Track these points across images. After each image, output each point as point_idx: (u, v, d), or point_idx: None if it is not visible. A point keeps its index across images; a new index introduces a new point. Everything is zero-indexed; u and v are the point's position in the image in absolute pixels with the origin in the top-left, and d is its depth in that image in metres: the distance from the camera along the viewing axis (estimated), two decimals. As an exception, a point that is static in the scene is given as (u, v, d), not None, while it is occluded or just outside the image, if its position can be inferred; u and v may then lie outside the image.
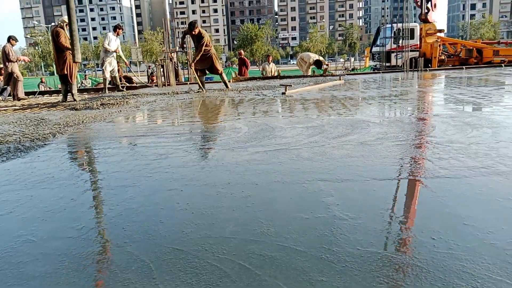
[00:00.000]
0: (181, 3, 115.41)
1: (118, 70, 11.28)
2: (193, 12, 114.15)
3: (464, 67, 14.75)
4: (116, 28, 10.35)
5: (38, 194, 2.28)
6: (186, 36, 9.80)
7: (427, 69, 14.53)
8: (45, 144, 3.72)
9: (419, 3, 18.28)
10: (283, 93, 7.47)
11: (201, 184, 2.31)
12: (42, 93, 12.24)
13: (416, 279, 1.25)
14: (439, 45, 18.17)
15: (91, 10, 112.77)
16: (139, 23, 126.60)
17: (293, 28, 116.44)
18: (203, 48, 9.07)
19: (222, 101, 7.11)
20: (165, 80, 12.11)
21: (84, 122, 5.01)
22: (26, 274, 1.41)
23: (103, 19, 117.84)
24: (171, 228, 1.71)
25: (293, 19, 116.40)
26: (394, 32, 17.52)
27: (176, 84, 12.43)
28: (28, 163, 3.02)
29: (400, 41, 15.89)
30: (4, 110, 7.35)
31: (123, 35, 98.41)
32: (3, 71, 10.01)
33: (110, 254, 1.53)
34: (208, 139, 3.73)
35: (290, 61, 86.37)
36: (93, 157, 3.26)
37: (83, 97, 9.51)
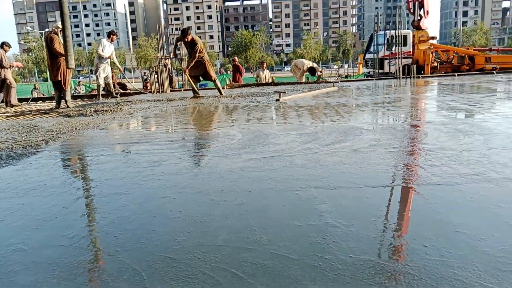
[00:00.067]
0: (176, 9, 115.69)
1: (112, 77, 11.27)
2: (188, 18, 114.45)
3: (456, 74, 14.88)
4: (110, 34, 10.35)
5: (29, 202, 2.27)
6: (178, 43, 9.78)
7: (420, 76, 14.65)
8: (37, 151, 3.70)
9: (412, 10, 18.46)
10: (277, 100, 7.49)
11: (194, 191, 2.30)
12: (35, 99, 12.18)
13: (408, 287, 1.25)
14: (432, 52, 18.34)
15: (85, 16, 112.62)
16: (133, 29, 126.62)
17: (287, 35, 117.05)
18: (197, 54, 9.08)
19: (216, 108, 7.12)
20: (159, 86, 12.10)
21: (77, 129, 4.99)
22: (17, 283, 1.39)
23: (97, 25, 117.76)
24: (164, 236, 1.71)
25: (287, 25, 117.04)
26: (387, 39, 17.67)
27: (170, 91, 12.42)
28: (20, 171, 3.00)
29: (393, 48, 16.03)
30: (-3, 116, 7.30)
31: (117, 41, 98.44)
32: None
33: (101, 262, 1.52)
34: (201, 146, 3.73)
35: (284, 67, 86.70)
36: (86, 165, 3.25)
37: (77, 104, 9.47)
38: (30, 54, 67.68)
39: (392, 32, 16.21)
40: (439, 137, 3.47)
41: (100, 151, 3.58)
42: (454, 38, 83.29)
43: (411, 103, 6.55)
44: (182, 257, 1.50)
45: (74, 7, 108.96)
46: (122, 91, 12.55)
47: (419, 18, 18.28)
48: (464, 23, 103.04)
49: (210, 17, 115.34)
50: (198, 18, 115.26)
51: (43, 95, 18.98)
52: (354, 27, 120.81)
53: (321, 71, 14.59)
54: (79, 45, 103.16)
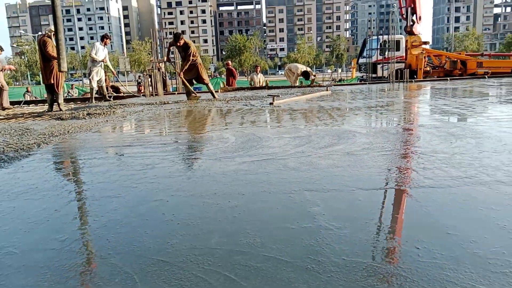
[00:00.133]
0: (170, 13, 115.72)
1: (105, 80, 11.23)
2: (182, 22, 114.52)
3: (448, 78, 15.01)
4: (103, 38, 10.33)
5: (21, 205, 2.25)
6: (172, 47, 9.77)
7: (413, 80, 14.75)
8: (29, 154, 3.67)
9: (404, 16, 18.61)
10: (271, 104, 7.50)
11: (187, 194, 2.30)
12: (28, 102, 12.11)
13: (400, 289, 1.26)
14: (424, 57, 18.49)
15: (79, 19, 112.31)
16: (127, 33, 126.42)
17: (281, 39, 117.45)
18: (191, 58, 9.09)
19: (209, 111, 7.11)
20: (152, 90, 12.08)
21: (69, 132, 4.96)
22: (7, 287, 1.38)
23: (90, 28, 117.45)
24: (156, 239, 1.70)
25: (281, 30, 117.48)
26: (380, 44, 17.77)
27: (164, 94, 12.40)
28: (12, 174, 2.98)
29: (386, 53, 16.12)
30: (-12, 119, 7.24)
31: (111, 45, 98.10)
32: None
33: (93, 266, 1.51)
34: (195, 149, 3.72)
35: (278, 71, 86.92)
36: (78, 168, 3.23)
37: (69, 107, 9.42)
38: (22, 57, 67.30)
39: (385, 37, 16.31)
40: (431, 141, 3.49)
41: (92, 154, 3.56)
42: (446, 43, 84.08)
43: (404, 107, 6.59)
44: (174, 260, 1.50)
45: (68, 11, 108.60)
46: (115, 94, 12.51)
47: (411, 23, 18.43)
48: (456, 28, 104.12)
49: (204, 21, 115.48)
50: (192, 22, 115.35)
51: (35, 98, 18.87)
52: (347, 32, 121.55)
53: (314, 75, 14.64)
54: (73, 48, 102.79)
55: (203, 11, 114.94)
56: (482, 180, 2.29)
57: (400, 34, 21.44)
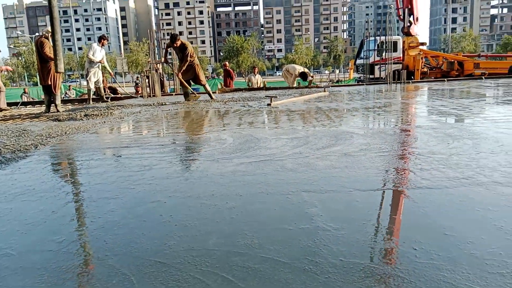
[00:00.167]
0: (167, 14, 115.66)
1: (103, 81, 11.21)
2: (179, 23, 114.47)
3: (445, 79, 15.05)
4: (101, 39, 10.31)
5: (18, 207, 2.24)
6: (169, 48, 9.73)
7: (410, 81, 14.78)
8: (26, 156, 3.66)
9: (401, 17, 18.68)
10: (269, 105, 7.51)
11: (185, 195, 2.29)
12: (25, 103, 12.08)
13: (397, 290, 1.26)
14: (422, 58, 18.56)
15: (76, 20, 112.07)
16: (124, 34, 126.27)
17: (279, 40, 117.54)
18: (188, 58, 9.09)
19: (207, 112, 7.11)
20: (150, 91, 12.06)
21: (67, 133, 4.95)
22: (4, 289, 1.37)
23: (88, 29, 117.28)
24: (154, 241, 1.70)
25: (278, 31, 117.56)
26: (378, 45, 17.82)
27: (162, 95, 12.39)
28: (9, 175, 2.97)
29: (383, 54, 16.16)
30: (-15, 121, 7.21)
31: (109, 46, 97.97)
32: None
33: (91, 267, 1.51)
34: (192, 150, 3.72)
35: (276, 72, 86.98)
36: (76, 169, 3.22)
37: (67, 108, 9.41)
38: (20, 58, 67.12)
39: (382, 38, 16.35)
40: (428, 141, 3.50)
41: (90, 156, 3.56)
42: (443, 44, 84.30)
43: (401, 108, 6.61)
44: (172, 261, 1.50)
45: (65, 12, 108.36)
46: (112, 95, 12.50)
47: (409, 24, 18.51)
48: (453, 29, 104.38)
49: (201, 22, 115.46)
50: (189, 23, 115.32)
51: (32, 99, 18.83)
52: (345, 33, 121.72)
53: (312, 76, 14.65)
54: (70, 49, 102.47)
55: (201, 12, 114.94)
56: (479, 181, 2.30)
57: (398, 35, 21.49)
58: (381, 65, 17.66)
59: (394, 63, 15.89)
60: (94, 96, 10.76)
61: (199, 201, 2.17)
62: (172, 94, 13.03)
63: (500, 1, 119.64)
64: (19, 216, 2.09)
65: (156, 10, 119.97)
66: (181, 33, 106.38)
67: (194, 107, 8.13)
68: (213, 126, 5.37)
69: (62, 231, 1.85)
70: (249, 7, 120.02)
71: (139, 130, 5.40)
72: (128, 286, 1.34)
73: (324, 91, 10.61)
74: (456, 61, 19.20)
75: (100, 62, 10.21)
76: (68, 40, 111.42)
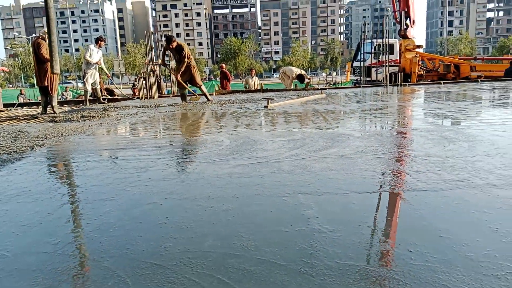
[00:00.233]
0: (165, 16, 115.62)
1: (100, 82, 11.19)
2: (177, 25, 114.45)
3: (442, 82, 15.11)
4: (98, 40, 10.30)
5: (13, 208, 2.23)
6: (166, 51, 9.70)
7: (407, 83, 14.83)
8: (22, 157, 3.65)
9: (398, 20, 18.74)
10: (266, 107, 7.51)
11: (181, 197, 2.29)
12: (21, 105, 12.04)
13: (393, 292, 1.26)
14: (418, 61, 18.62)
15: (73, 22, 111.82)
16: (122, 36, 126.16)
17: (276, 42, 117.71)
18: (186, 60, 9.09)
19: (204, 114, 7.11)
20: (147, 92, 12.05)
21: (63, 135, 4.94)
22: (-2, 291, 1.37)
23: (85, 31, 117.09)
24: (149, 243, 1.69)
25: (276, 33, 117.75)
26: (374, 47, 17.90)
27: (159, 97, 12.38)
28: (5, 177, 2.96)
29: (380, 56, 16.22)
30: (-19, 122, 7.19)
31: (106, 47, 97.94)
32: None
33: (86, 269, 1.51)
34: (189, 152, 3.72)
35: (273, 74, 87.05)
36: (72, 171, 3.21)
37: (63, 109, 9.38)
38: (16, 59, 66.91)
39: (379, 40, 16.41)
40: (424, 144, 3.51)
41: (86, 157, 3.55)
42: (440, 47, 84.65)
43: (397, 110, 6.63)
44: (168, 263, 1.49)
45: (62, 13, 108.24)
46: (109, 96, 12.48)
47: (405, 27, 18.57)
48: (450, 32, 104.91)
49: (199, 24, 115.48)
50: (187, 25, 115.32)
51: (29, 100, 18.77)
52: (342, 35, 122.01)
53: (309, 79, 14.67)
54: (67, 50, 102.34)
55: (198, 14, 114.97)
56: (474, 184, 2.31)
57: (394, 37, 21.59)
58: (378, 68, 17.72)
59: (390, 66, 15.96)
60: (91, 98, 10.74)
61: (195, 203, 2.17)
62: (169, 96, 13.02)
63: (496, 5, 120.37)
64: (14, 217, 2.08)
65: (154, 11, 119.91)
66: (178, 35, 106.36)
67: (191, 109, 8.13)
68: (210, 128, 5.37)
69: (58, 233, 1.85)
70: (246, 9, 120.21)
71: (136, 132, 5.40)
72: (123, 288, 1.34)
73: (321, 93, 10.63)
74: (452, 64, 19.27)
75: (97, 64, 10.20)
76: (65, 41, 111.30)
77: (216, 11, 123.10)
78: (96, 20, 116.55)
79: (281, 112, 6.76)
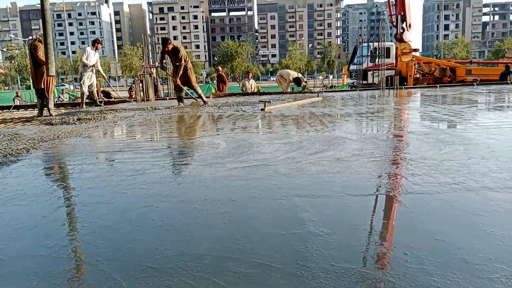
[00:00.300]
0: (162, 19, 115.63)
1: (96, 85, 11.17)
2: (174, 28, 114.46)
3: (438, 85, 15.16)
4: (94, 43, 10.28)
5: (9, 211, 2.22)
6: (164, 54, 9.63)
7: (403, 87, 14.87)
8: (18, 160, 3.63)
9: (394, 23, 18.81)
10: (262, 109, 7.52)
11: (177, 200, 2.29)
12: (18, 107, 12.00)
13: (388, 295, 1.27)
14: (414, 64, 18.69)
15: (70, 24, 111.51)
16: (119, 38, 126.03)
17: (273, 46, 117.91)
18: (183, 62, 9.08)
19: (201, 117, 7.11)
20: (144, 95, 12.03)
21: (59, 137, 4.93)
22: (-7, 294, 1.36)
23: (82, 33, 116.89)
24: (145, 246, 1.69)
25: (273, 36, 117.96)
26: (371, 51, 17.93)
27: (155, 100, 12.36)
28: (0, 179, 2.94)
29: (377, 60, 16.26)
30: (-23, 124, 7.16)
31: (102, 50, 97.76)
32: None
33: (82, 272, 1.50)
34: (185, 155, 3.72)
35: (270, 77, 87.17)
36: (68, 173, 3.20)
37: (60, 112, 9.36)
38: (13, 61, 66.72)
39: (376, 44, 16.46)
40: (420, 147, 3.53)
41: (82, 160, 3.54)
42: (436, 50, 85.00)
43: (394, 114, 6.65)
44: (163, 266, 1.49)
45: (59, 15, 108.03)
46: (106, 99, 12.46)
47: (401, 31, 18.65)
48: (446, 36, 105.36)
49: (196, 27, 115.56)
50: (184, 28, 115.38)
51: (25, 102, 18.71)
52: (338, 39, 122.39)
53: (306, 82, 14.71)
54: (63, 53, 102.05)
55: (195, 17, 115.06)
56: (469, 186, 2.32)
57: (391, 41, 21.66)
58: (374, 71, 17.76)
59: (387, 69, 15.98)
60: (87, 100, 10.71)
61: (192, 206, 2.17)
62: (165, 99, 13.00)
63: (492, 9, 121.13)
64: (9, 220, 2.08)
65: (151, 14, 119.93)
66: (175, 37, 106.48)
67: (187, 111, 8.13)
68: (207, 130, 5.37)
69: (53, 236, 1.84)
70: (243, 13, 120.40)
71: (132, 135, 5.39)
72: (119, 291, 1.34)
73: (318, 96, 10.65)
74: (448, 68, 19.37)
75: (94, 66, 10.18)
76: (62, 43, 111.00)
77: (213, 14, 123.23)
78: (93, 23, 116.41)
79: (278, 115, 6.77)
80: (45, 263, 1.57)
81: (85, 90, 10.27)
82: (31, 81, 9.80)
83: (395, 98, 10.04)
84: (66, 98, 19.78)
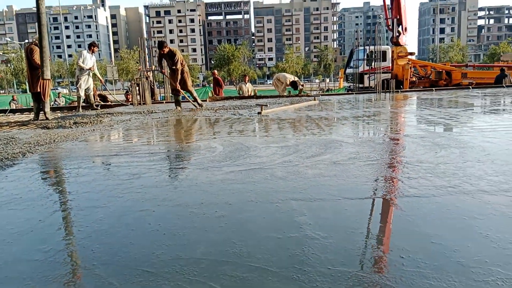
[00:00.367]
0: (158, 22, 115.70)
1: (93, 88, 11.15)
2: (170, 31, 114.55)
3: (434, 88, 15.23)
4: (91, 46, 10.27)
5: (4, 215, 2.21)
6: (161, 58, 9.56)
7: (399, 90, 14.94)
8: (14, 164, 3.62)
9: (390, 27, 18.92)
10: (259, 113, 7.53)
11: (173, 204, 2.29)
12: (13, 111, 11.96)
13: (385, 298, 1.27)
14: (410, 67, 18.80)
15: (66, 27, 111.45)
16: (115, 41, 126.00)
17: (270, 49, 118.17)
18: (179, 66, 9.09)
19: (198, 120, 7.11)
20: (140, 98, 12.02)
21: (55, 141, 4.91)
22: (-12, 299, 1.36)
23: (78, 37, 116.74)
24: (142, 250, 1.69)
25: (269, 40, 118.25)
26: (367, 54, 18.01)
27: (152, 103, 12.36)
28: (-5, 183, 2.93)
29: (373, 63, 16.32)
30: (-28, 128, 7.13)
31: (99, 53, 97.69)
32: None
33: (78, 277, 1.50)
34: (182, 159, 3.71)
35: (266, 81, 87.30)
36: (64, 177, 3.19)
37: (56, 116, 9.33)
38: (9, 65, 66.52)
39: (372, 47, 16.53)
40: (416, 150, 3.54)
41: (78, 164, 3.53)
42: (431, 54, 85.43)
43: (390, 117, 6.67)
44: (160, 270, 1.49)
45: (55, 19, 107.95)
46: (102, 103, 12.44)
47: (397, 34, 18.75)
48: (441, 39, 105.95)
49: (193, 30, 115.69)
50: (181, 31, 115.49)
51: (21, 106, 18.65)
52: (335, 42, 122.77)
53: (303, 85, 14.74)
54: (60, 56, 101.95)
55: (192, 20, 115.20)
56: (465, 190, 2.33)
57: (387, 45, 21.77)
58: (371, 75, 17.83)
59: (383, 73, 16.06)
60: (84, 104, 10.69)
61: (188, 210, 2.17)
62: (162, 102, 13.00)
63: (487, 12, 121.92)
64: (5, 225, 2.07)
65: (147, 18, 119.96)
66: (172, 41, 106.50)
67: (184, 115, 8.13)
68: (203, 134, 5.37)
69: (49, 240, 1.83)
70: (240, 16, 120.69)
71: (129, 138, 5.38)
72: (115, 295, 1.33)
73: (314, 99, 10.68)
74: (444, 71, 19.48)
75: (91, 70, 10.17)
76: (58, 47, 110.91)
77: (210, 17, 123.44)
78: (89, 26, 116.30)
79: (275, 118, 6.78)
80: (41, 267, 1.56)
81: (82, 93, 10.25)
82: (27, 84, 9.77)
83: (391, 102, 10.08)
84: (63, 102, 19.73)
